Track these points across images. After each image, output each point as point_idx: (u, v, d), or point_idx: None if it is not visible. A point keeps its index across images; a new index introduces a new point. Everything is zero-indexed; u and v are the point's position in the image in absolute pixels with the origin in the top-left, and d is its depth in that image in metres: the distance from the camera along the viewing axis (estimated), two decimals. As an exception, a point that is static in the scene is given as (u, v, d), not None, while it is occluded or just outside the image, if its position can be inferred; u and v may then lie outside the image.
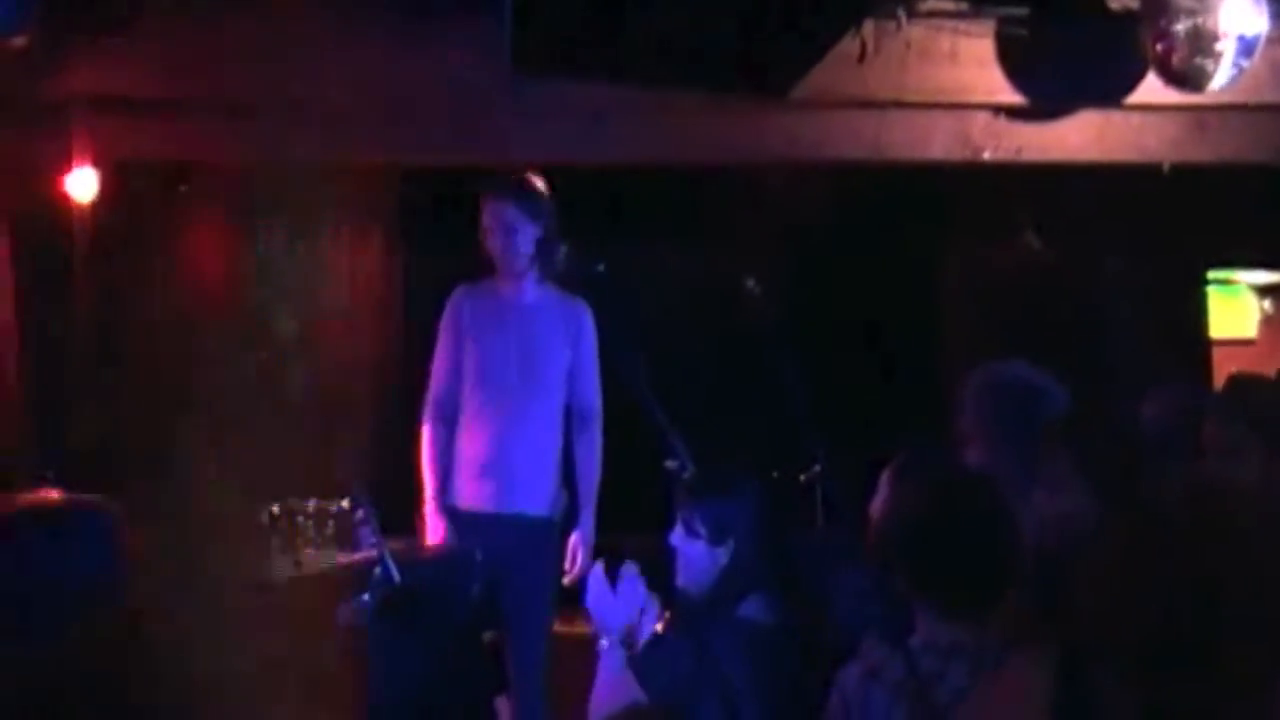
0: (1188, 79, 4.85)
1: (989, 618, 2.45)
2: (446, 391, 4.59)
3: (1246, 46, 4.78)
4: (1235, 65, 4.79)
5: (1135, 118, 5.34)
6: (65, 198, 5.09)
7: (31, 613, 1.45)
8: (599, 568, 3.27)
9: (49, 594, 1.64)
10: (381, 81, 4.94)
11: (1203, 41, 4.75)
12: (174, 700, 0.70)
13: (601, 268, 4.49)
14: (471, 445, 4.57)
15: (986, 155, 5.34)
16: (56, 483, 1.88)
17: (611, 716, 2.81)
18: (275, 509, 4.29)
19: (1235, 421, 3.25)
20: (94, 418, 6.03)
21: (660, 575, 3.35)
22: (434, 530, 4.49)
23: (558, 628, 4.83)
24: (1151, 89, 5.08)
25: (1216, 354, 6.99)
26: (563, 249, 4.52)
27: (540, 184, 4.58)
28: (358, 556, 4.16)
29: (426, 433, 4.58)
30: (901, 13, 5.05)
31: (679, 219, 6.23)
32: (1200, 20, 4.74)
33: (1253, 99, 5.23)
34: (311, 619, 3.77)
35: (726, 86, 4.92)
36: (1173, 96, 5.06)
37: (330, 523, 4.64)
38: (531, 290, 4.63)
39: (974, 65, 5.20)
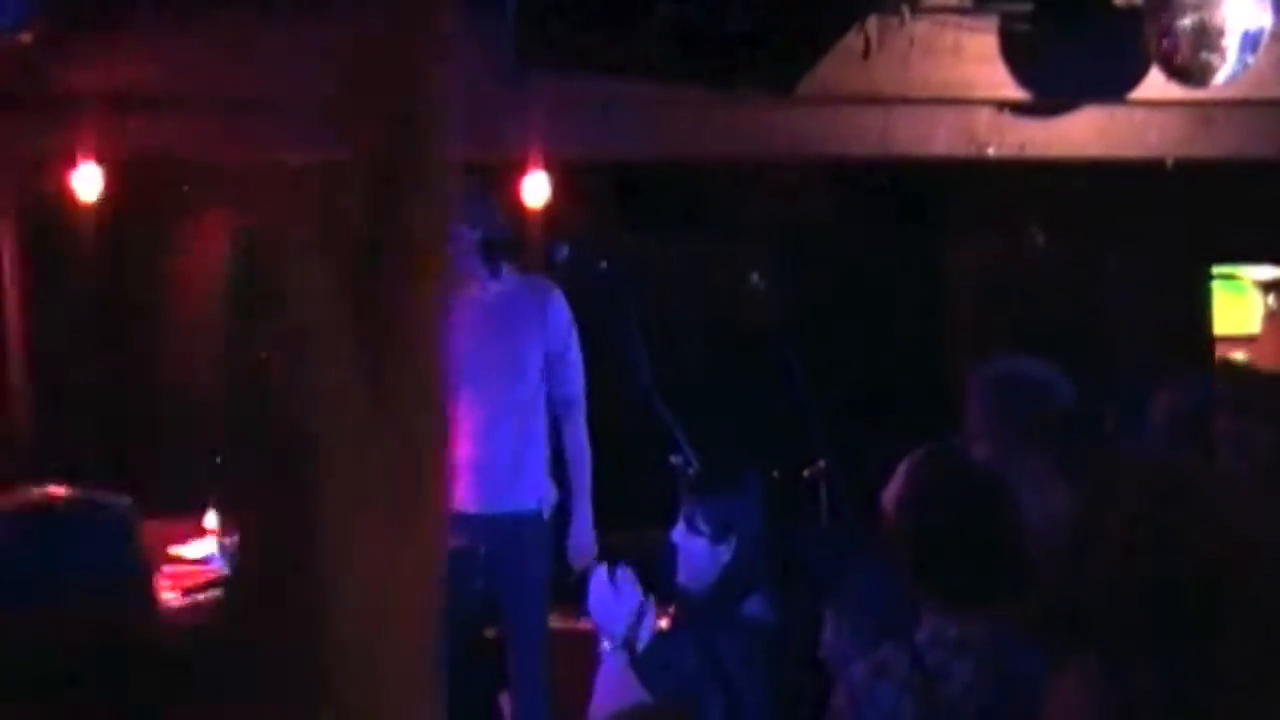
0: (1192, 74, 4.85)
1: (996, 612, 2.46)
2: None
3: (1251, 41, 4.78)
4: (1240, 60, 4.79)
5: (1139, 113, 5.34)
6: (71, 194, 5.09)
7: (50, 609, 1.44)
8: (602, 570, 3.25)
9: (68, 590, 1.63)
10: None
11: (1207, 37, 4.74)
12: (194, 699, 0.71)
13: (604, 265, 4.51)
14: (465, 446, 4.47)
15: (990, 151, 5.34)
16: (64, 478, 1.86)
17: (619, 714, 2.81)
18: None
19: (1247, 413, 3.23)
20: (99, 413, 6.03)
21: (656, 573, 3.34)
22: None
23: (559, 625, 4.83)
24: (1155, 84, 5.08)
25: (1220, 350, 6.98)
26: (566, 247, 4.52)
27: (478, 184, 4.55)
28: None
29: None
30: (905, 8, 5.05)
31: (683, 215, 6.23)
32: (1204, 15, 4.73)
33: (1257, 94, 5.23)
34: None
35: (731, 82, 4.92)
36: (1176, 92, 5.05)
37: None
38: (493, 285, 4.57)
39: (978, 61, 5.20)
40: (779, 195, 6.15)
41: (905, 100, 5.23)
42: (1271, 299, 7.63)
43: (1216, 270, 7.17)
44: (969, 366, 3.58)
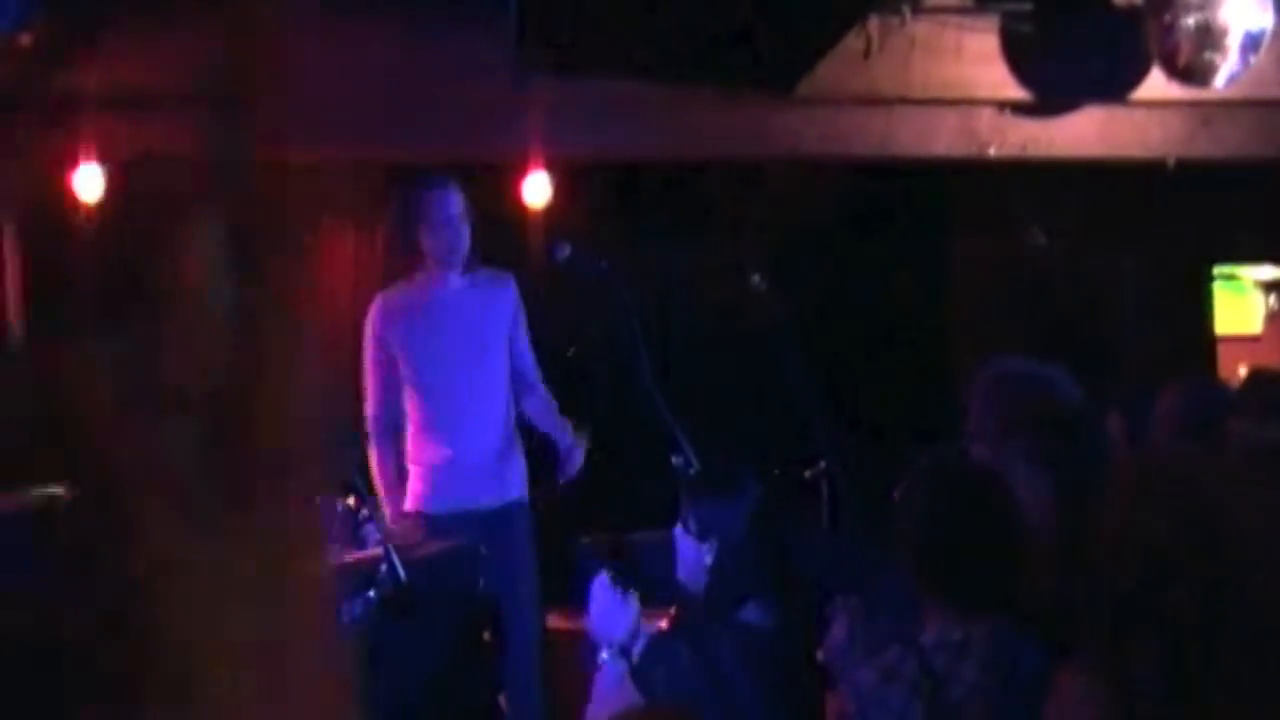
0: (1194, 74, 4.85)
1: (1000, 613, 2.46)
2: (386, 405, 4.48)
3: (1253, 41, 4.78)
4: (1242, 60, 4.79)
5: (1140, 113, 5.34)
6: (72, 195, 5.09)
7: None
8: (604, 577, 3.25)
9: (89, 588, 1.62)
10: (388, 78, 4.94)
11: (1210, 37, 4.74)
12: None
13: (605, 264, 4.50)
14: (439, 448, 4.48)
15: (991, 151, 5.34)
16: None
17: (621, 715, 2.80)
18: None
19: (1268, 417, 3.23)
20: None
21: (655, 574, 3.35)
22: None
23: (558, 624, 4.83)
24: (1156, 85, 5.08)
25: (1222, 350, 6.97)
26: (567, 246, 4.51)
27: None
28: (363, 554, 4.16)
29: (375, 453, 4.47)
30: (906, 9, 5.05)
31: (685, 215, 6.23)
32: (1206, 16, 4.73)
33: (1258, 94, 5.23)
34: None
35: (733, 83, 4.92)
36: (1177, 92, 5.05)
37: (334, 520, 4.62)
38: (456, 277, 4.54)
39: (979, 61, 5.19)
40: (780, 196, 6.14)
41: (906, 100, 5.23)
42: (1273, 299, 7.63)
43: (1218, 270, 7.16)
44: (971, 367, 3.58)
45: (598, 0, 4.65)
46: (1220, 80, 4.85)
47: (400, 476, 4.51)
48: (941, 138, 5.34)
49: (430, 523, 4.45)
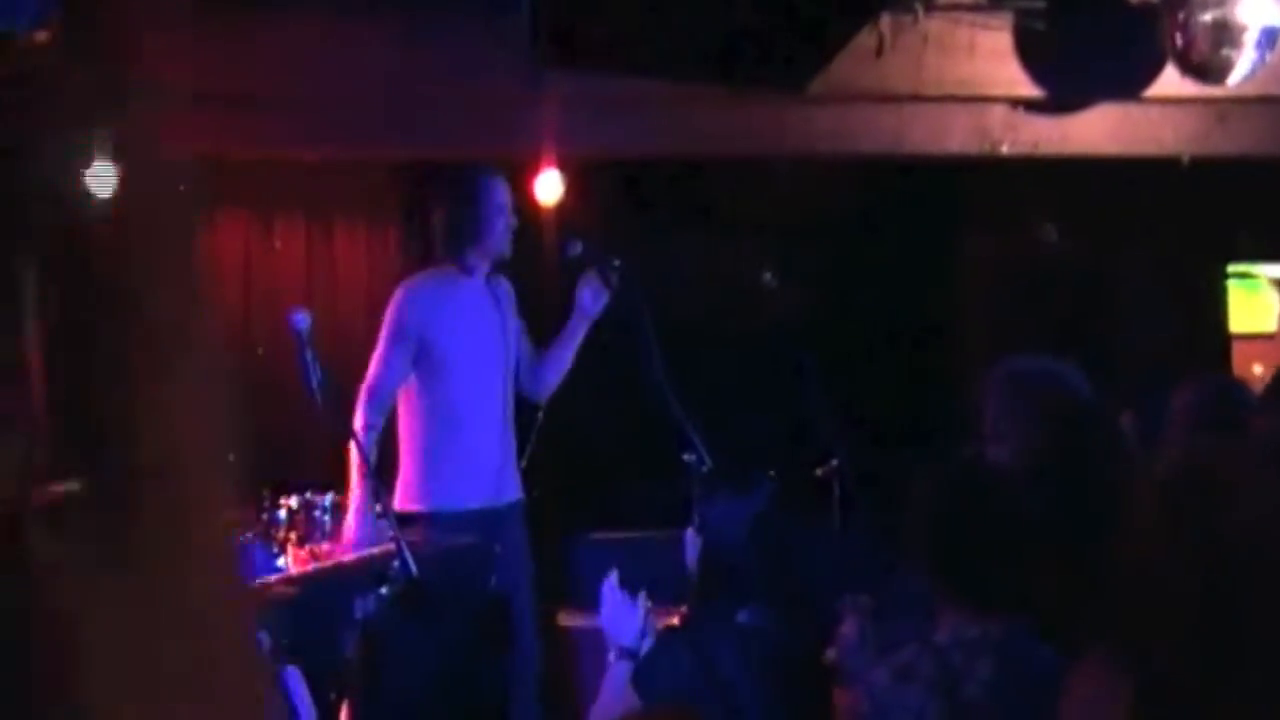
0: (1209, 71, 4.83)
1: (1015, 611, 2.45)
2: (390, 385, 4.42)
3: (1268, 38, 4.76)
4: (1258, 57, 4.77)
5: (1154, 111, 5.32)
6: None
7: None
8: (613, 578, 3.25)
9: None
10: (401, 76, 4.94)
11: (1227, 33, 4.73)
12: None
13: (617, 263, 4.50)
14: (470, 442, 4.46)
15: (1004, 149, 5.32)
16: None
17: (625, 715, 2.80)
18: (293, 503, 4.28)
19: None
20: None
21: (666, 574, 3.36)
22: (359, 534, 4.22)
23: (565, 621, 4.83)
24: (1170, 82, 5.06)
25: (1236, 348, 6.96)
26: (579, 244, 4.51)
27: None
28: (375, 550, 4.16)
29: (361, 422, 4.30)
30: (919, 6, 5.04)
31: (697, 213, 6.23)
32: (1222, 12, 4.72)
33: (1273, 91, 5.21)
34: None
35: (745, 81, 4.91)
36: (1191, 89, 5.04)
37: (315, 525, 4.60)
38: (480, 274, 4.54)
39: (992, 58, 5.18)
40: (792, 194, 6.14)
41: (919, 98, 5.22)
42: (1287, 297, 7.60)
43: (1232, 268, 7.14)
44: (983, 365, 3.57)
45: (611, -2, 4.65)
46: (1235, 77, 4.83)
47: (374, 446, 4.36)
48: (954, 135, 5.33)
49: (436, 520, 4.44)
